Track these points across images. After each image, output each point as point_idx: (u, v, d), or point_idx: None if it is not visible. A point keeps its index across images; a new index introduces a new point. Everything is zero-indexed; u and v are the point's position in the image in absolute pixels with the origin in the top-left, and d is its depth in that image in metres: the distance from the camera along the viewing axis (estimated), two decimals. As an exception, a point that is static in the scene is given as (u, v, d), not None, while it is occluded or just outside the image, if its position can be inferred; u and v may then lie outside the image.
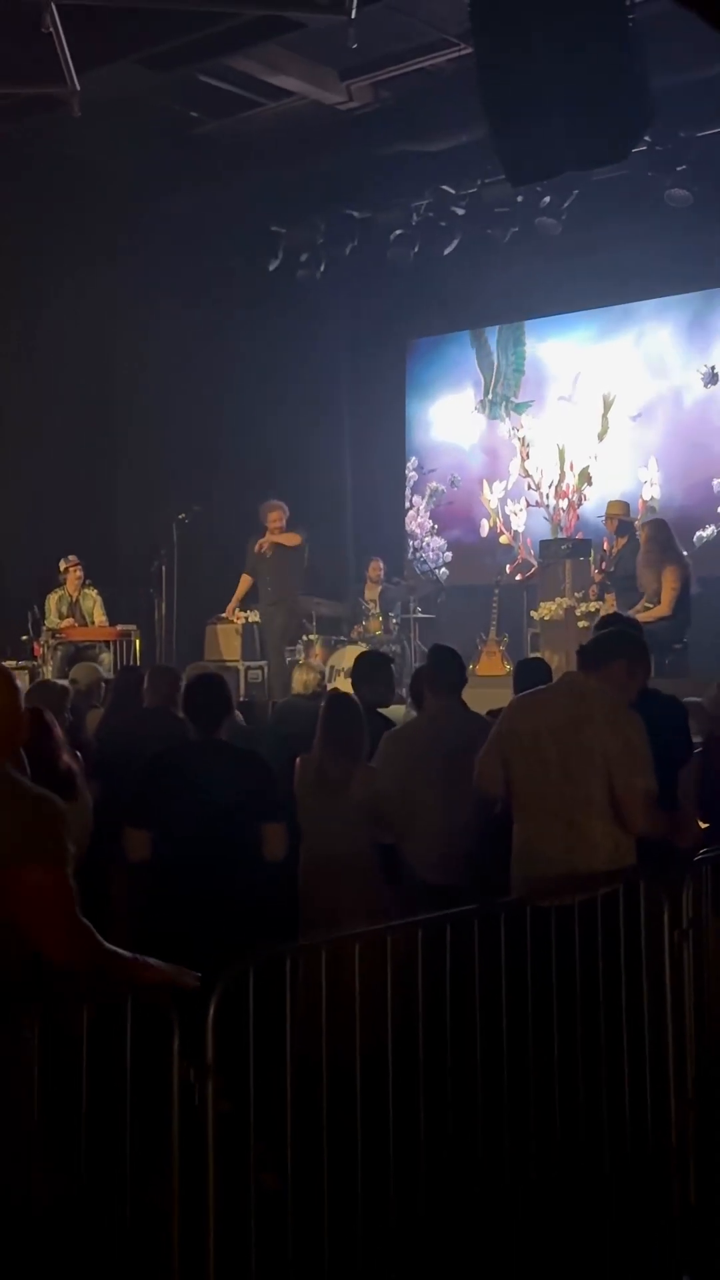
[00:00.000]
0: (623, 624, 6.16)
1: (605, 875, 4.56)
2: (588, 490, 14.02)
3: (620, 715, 4.80)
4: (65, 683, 8.26)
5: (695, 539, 13.20)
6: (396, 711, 7.56)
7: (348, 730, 5.84)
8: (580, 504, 13.98)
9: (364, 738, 5.90)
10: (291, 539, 12.90)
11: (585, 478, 14.05)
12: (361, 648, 11.75)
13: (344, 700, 6.07)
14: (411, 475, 15.81)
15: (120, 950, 3.24)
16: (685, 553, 11.47)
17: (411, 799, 5.76)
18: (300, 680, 8.25)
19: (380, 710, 6.74)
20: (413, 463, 15.83)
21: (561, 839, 4.69)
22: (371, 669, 7.12)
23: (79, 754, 5.91)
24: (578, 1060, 4.25)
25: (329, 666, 11.97)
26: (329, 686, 10.97)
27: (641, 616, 10.44)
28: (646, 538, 11.13)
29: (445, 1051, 3.92)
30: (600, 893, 4.41)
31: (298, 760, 5.88)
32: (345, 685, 7.72)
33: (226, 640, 13.22)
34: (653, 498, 13.67)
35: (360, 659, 7.53)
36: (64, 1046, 3.19)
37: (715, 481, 13.41)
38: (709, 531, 13.31)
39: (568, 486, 14.15)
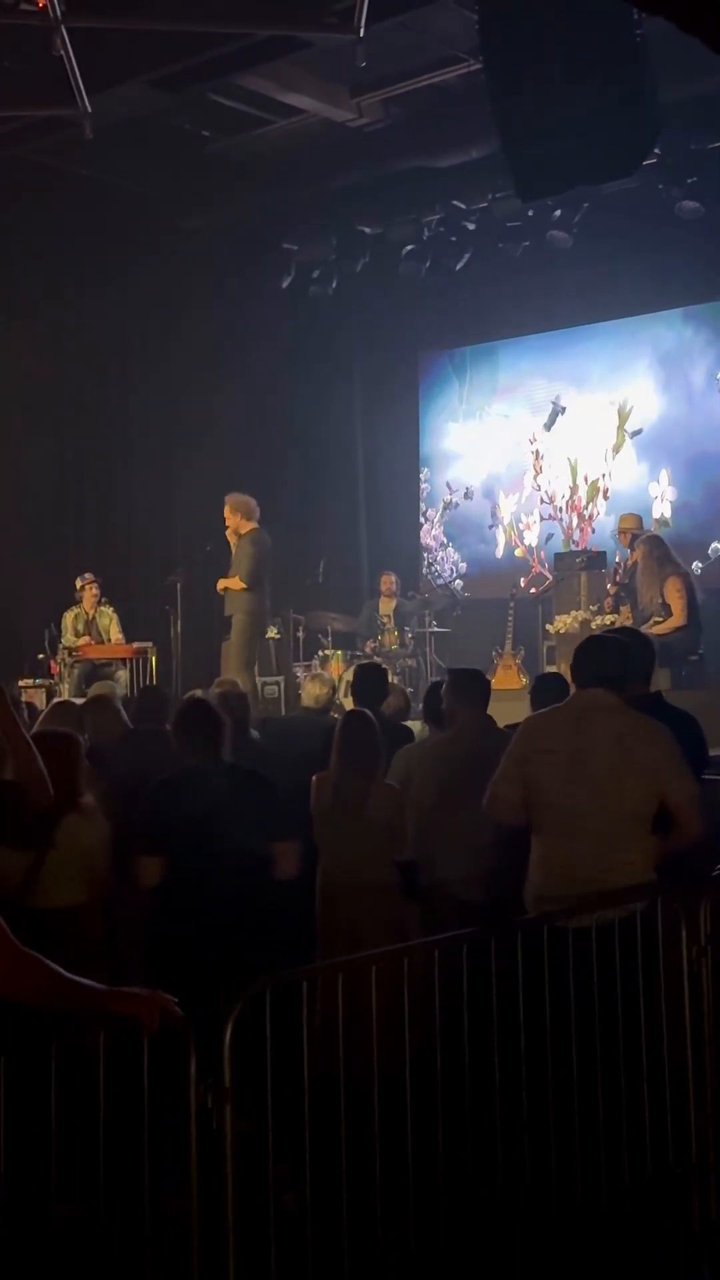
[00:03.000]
0: (624, 635, 6.09)
1: (626, 891, 4.54)
2: (601, 504, 14.01)
3: (653, 725, 4.78)
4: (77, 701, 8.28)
5: (711, 550, 13.19)
6: (411, 727, 7.57)
7: (364, 748, 5.83)
8: (593, 518, 13.97)
9: (380, 755, 5.89)
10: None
11: (599, 491, 14.04)
12: (375, 662, 11.75)
13: (360, 718, 6.05)
14: (425, 489, 15.83)
15: (85, 981, 3.12)
16: (698, 564, 11.45)
17: (441, 814, 5.74)
18: (311, 694, 8.14)
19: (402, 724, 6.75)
20: (425, 475, 15.85)
21: (602, 859, 4.59)
22: (366, 680, 7.15)
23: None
24: (597, 1076, 4.24)
25: (344, 681, 11.97)
26: (339, 700, 11.00)
27: (657, 630, 10.44)
28: (644, 554, 11.13)
29: (464, 1070, 3.92)
30: (620, 909, 4.41)
31: (314, 779, 5.87)
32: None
33: (243, 656, 13.21)
34: (662, 515, 13.63)
35: (357, 672, 7.55)
36: (82, 1068, 3.20)
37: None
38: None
39: (579, 500, 14.15)
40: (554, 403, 14.58)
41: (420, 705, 8.10)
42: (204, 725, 5.27)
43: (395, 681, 10.05)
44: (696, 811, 4.65)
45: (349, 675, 12.18)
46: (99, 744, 6.74)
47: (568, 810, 4.68)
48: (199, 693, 7.73)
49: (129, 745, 6.73)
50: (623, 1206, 4.25)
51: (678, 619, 10.71)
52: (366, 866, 5.58)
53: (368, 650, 13.17)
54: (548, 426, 14.63)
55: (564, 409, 14.56)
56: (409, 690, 10.14)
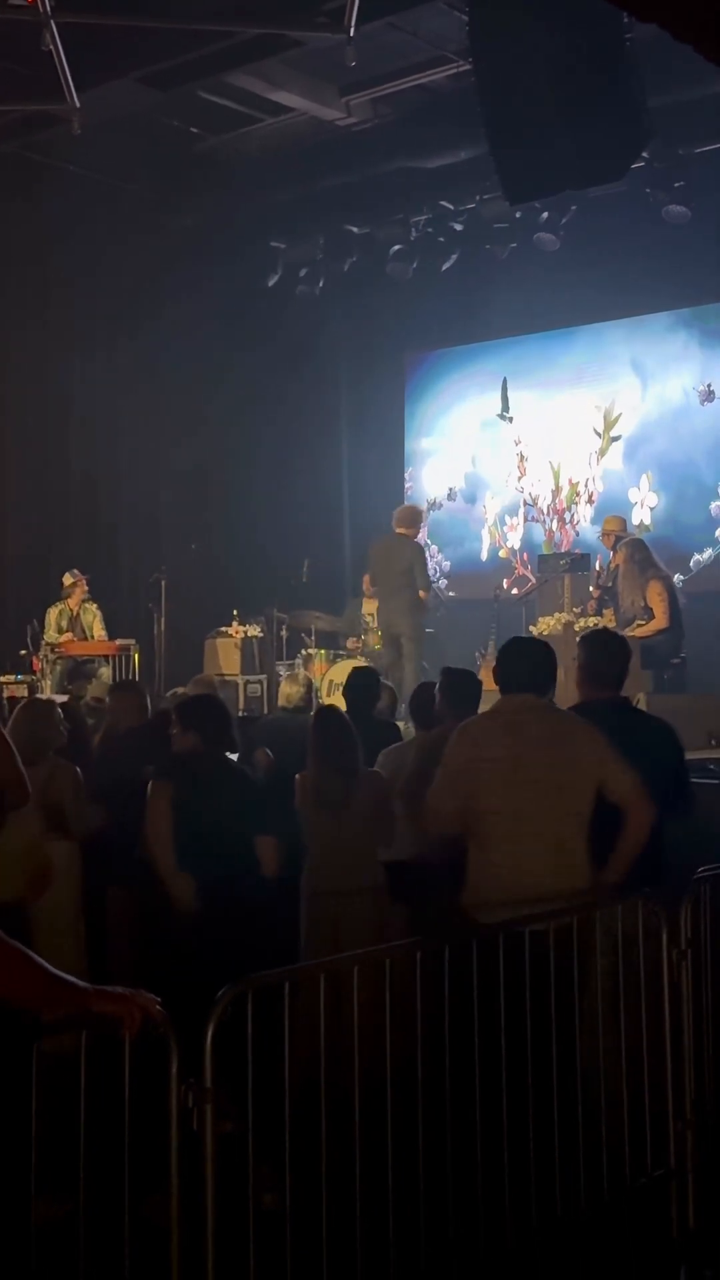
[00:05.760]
0: (605, 637, 6.13)
1: (611, 895, 4.55)
2: (585, 508, 14.03)
3: (582, 723, 4.84)
4: (58, 699, 8.28)
5: (693, 563, 13.22)
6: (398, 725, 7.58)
7: (340, 746, 5.80)
8: (576, 522, 13.98)
9: (357, 750, 5.85)
10: None
11: (583, 495, 14.06)
12: (358, 662, 11.75)
13: (332, 715, 6.04)
14: (410, 489, 15.82)
15: (67, 978, 3.07)
16: (680, 577, 11.46)
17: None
18: (284, 694, 8.10)
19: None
20: (410, 475, 15.85)
21: (549, 860, 4.58)
22: (359, 682, 7.14)
23: (79, 770, 5.92)
24: (575, 1081, 4.24)
25: (329, 680, 11.97)
26: (326, 701, 11.00)
27: (639, 632, 10.46)
28: (625, 558, 11.15)
29: (444, 1072, 3.92)
30: (599, 913, 4.42)
31: (297, 778, 5.87)
32: (340, 700, 7.69)
33: (226, 654, 13.20)
34: (641, 522, 13.62)
35: (351, 674, 7.53)
36: (62, 1069, 3.19)
37: (714, 505, 13.36)
38: (706, 555, 13.31)
39: (560, 503, 14.17)
40: (499, 415, 14.67)
41: (404, 705, 8.11)
42: (220, 717, 5.29)
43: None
44: (643, 794, 4.63)
45: (332, 674, 12.19)
46: (114, 731, 6.78)
47: (513, 815, 4.64)
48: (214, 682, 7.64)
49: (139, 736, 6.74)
50: (601, 1214, 4.25)
51: (660, 622, 10.73)
52: (351, 866, 5.56)
53: (351, 649, 13.15)
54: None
55: (511, 418, 14.63)
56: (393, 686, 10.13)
